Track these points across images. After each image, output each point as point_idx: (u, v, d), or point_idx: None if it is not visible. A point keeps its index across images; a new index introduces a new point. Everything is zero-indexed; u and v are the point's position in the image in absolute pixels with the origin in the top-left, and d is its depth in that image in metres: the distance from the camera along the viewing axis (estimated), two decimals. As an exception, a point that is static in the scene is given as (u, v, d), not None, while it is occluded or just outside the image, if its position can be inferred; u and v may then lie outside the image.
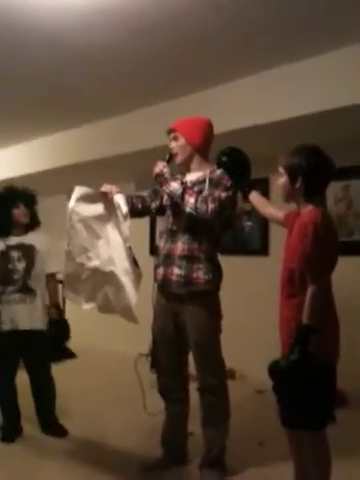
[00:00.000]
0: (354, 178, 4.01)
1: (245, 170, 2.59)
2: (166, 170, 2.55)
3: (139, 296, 2.54)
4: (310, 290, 1.98)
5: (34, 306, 3.17)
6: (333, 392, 2.10)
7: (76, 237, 2.70)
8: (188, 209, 2.44)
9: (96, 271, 2.68)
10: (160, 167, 2.56)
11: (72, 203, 2.69)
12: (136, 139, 4.30)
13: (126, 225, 2.58)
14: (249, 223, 4.69)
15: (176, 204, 2.52)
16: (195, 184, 2.55)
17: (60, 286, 3.34)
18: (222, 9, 2.64)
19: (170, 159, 2.63)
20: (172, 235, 2.61)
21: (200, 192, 2.49)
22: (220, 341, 2.61)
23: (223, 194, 2.45)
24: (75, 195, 2.70)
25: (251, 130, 3.55)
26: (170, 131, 2.66)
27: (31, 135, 5.28)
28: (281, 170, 2.14)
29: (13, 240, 3.22)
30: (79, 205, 2.69)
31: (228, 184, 2.49)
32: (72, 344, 5.22)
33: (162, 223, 2.77)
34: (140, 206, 2.81)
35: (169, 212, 2.67)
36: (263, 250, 4.58)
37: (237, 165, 2.57)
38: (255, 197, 2.58)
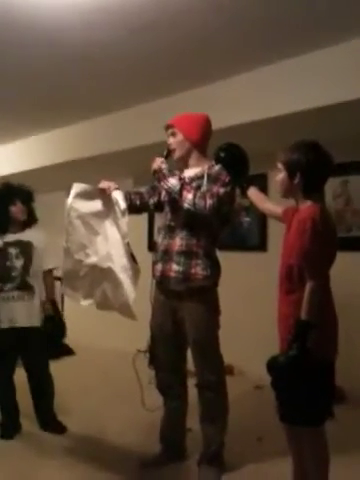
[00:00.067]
0: (353, 174, 4.00)
1: (243, 166, 2.59)
2: (164, 166, 2.54)
3: (137, 292, 2.53)
4: (309, 286, 1.97)
5: (32, 303, 3.16)
6: (332, 388, 2.10)
7: (74, 234, 2.69)
8: (186, 205, 2.44)
9: (94, 268, 2.68)
10: (158, 163, 2.56)
11: (70, 200, 2.68)
12: (134, 135, 4.29)
13: (124, 221, 2.57)
14: (247, 219, 4.68)
15: (174, 200, 2.52)
16: (193, 180, 2.55)
17: (57, 283, 3.35)
18: (221, 7, 2.64)
19: (168, 155, 2.62)
20: (170, 231, 2.60)
21: (198, 188, 2.49)
22: (218, 337, 2.61)
23: (221, 190, 2.45)
24: (73, 192, 2.69)
25: (249, 126, 3.54)
26: (168, 127, 2.65)
27: (29, 132, 5.27)
28: (280, 166, 2.14)
29: (11, 237, 3.21)
30: (77, 202, 2.69)
31: (226, 180, 2.49)
32: (70, 341, 5.24)
33: (160, 219, 2.77)
34: (138, 202, 2.81)
35: (167, 208, 2.66)
36: (261, 246, 4.58)
37: (235, 161, 2.56)
38: (253, 193, 2.58)
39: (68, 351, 5.33)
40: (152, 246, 4.94)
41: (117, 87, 3.83)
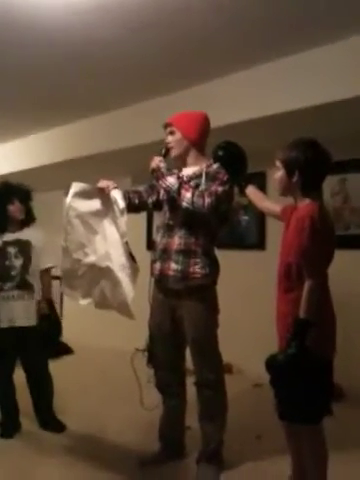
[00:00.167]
0: (351, 172, 4.01)
1: (242, 164, 2.59)
2: (162, 165, 2.54)
3: (135, 291, 2.53)
4: (307, 284, 1.98)
5: (32, 302, 3.16)
6: (330, 386, 2.10)
7: (73, 233, 2.69)
8: (185, 204, 2.44)
9: (93, 267, 2.68)
10: (156, 162, 2.55)
11: (69, 199, 2.68)
12: (132, 134, 4.28)
13: (123, 220, 2.57)
14: (246, 217, 4.68)
15: (173, 199, 2.51)
16: (191, 178, 2.55)
17: (57, 282, 3.34)
18: (220, 6, 2.64)
19: (166, 153, 2.62)
20: (169, 230, 2.60)
21: (197, 186, 2.49)
22: (217, 336, 2.61)
23: (220, 188, 2.45)
24: (72, 191, 2.69)
25: (247, 124, 3.54)
26: (166, 125, 2.65)
27: (27, 131, 5.26)
28: (278, 164, 2.14)
29: (9, 236, 3.21)
30: (76, 201, 2.68)
31: (224, 178, 2.49)
32: (69, 340, 5.25)
33: (159, 218, 2.77)
34: (137, 201, 2.80)
35: (166, 207, 2.66)
36: (260, 244, 4.58)
37: (234, 159, 2.57)
38: (252, 191, 2.58)
39: (67, 350, 5.34)
40: (151, 245, 4.95)
41: (116, 86, 3.83)
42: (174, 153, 2.62)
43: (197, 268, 2.51)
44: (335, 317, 2.11)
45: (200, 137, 2.62)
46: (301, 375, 1.95)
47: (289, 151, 2.09)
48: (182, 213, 2.52)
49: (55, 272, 3.35)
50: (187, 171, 2.61)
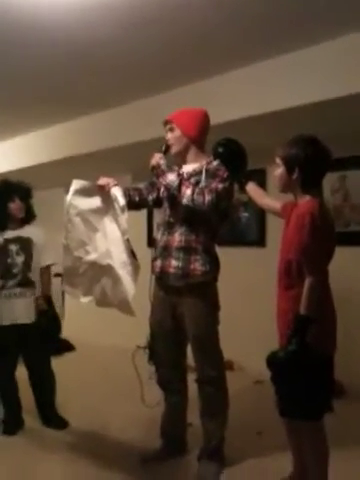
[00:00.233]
0: (351, 169, 4.00)
1: (242, 161, 2.59)
2: (162, 162, 2.54)
3: (136, 289, 2.53)
4: (308, 281, 1.98)
5: (32, 300, 3.17)
6: (331, 382, 2.11)
7: (74, 231, 2.69)
8: (185, 201, 2.44)
9: (93, 264, 2.68)
10: (156, 159, 2.55)
11: (70, 197, 2.68)
12: (132, 131, 4.28)
13: (124, 218, 2.57)
14: (246, 214, 4.68)
15: (173, 196, 2.51)
16: (192, 175, 2.55)
17: (58, 279, 3.35)
18: (220, 3, 2.63)
19: (166, 151, 2.61)
20: (169, 227, 2.60)
21: (197, 183, 2.49)
22: (218, 332, 2.62)
23: (220, 185, 2.45)
24: (73, 188, 2.69)
25: (247, 121, 3.53)
26: (166, 122, 2.65)
27: (27, 128, 5.25)
28: (278, 161, 2.14)
29: (10, 234, 3.21)
30: (77, 198, 2.69)
31: (225, 175, 2.49)
32: (71, 338, 5.26)
33: (159, 215, 2.77)
34: (137, 198, 2.80)
35: (166, 204, 2.66)
36: (260, 241, 4.58)
37: (234, 156, 2.57)
38: (252, 188, 2.58)
39: (68, 347, 5.35)
40: (151, 242, 4.96)
41: (115, 83, 3.82)
42: (174, 150, 2.62)
43: (198, 265, 2.51)
44: (335, 314, 2.11)
45: (200, 134, 2.62)
46: (302, 372, 1.96)
47: (289, 148, 2.09)
48: (182, 210, 2.52)
49: (56, 269, 3.36)
50: (187, 168, 2.60)
